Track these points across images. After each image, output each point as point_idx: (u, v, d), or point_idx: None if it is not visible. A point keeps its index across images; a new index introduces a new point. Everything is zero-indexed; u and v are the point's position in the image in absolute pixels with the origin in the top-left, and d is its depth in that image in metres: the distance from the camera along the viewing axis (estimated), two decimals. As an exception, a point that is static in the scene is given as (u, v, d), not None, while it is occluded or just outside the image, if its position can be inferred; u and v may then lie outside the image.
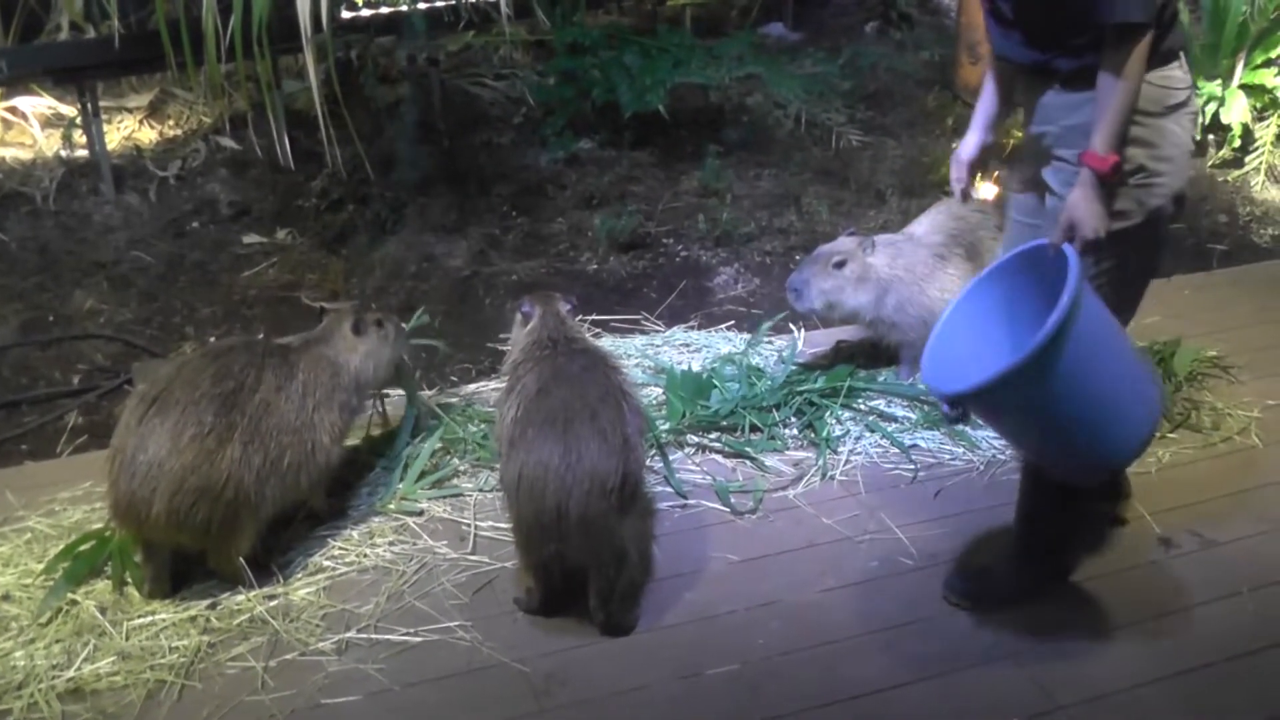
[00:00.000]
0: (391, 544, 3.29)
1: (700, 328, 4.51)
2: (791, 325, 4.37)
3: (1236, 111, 5.82)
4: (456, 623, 2.99)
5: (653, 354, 4.24)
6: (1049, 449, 2.74)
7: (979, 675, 2.83)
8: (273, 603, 3.04)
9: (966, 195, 3.15)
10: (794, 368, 4.03)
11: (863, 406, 3.88)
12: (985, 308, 2.80)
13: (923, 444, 3.73)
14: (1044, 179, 2.81)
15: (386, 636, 2.95)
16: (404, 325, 3.65)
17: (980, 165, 3.10)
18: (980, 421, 2.78)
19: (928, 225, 4.12)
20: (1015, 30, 2.76)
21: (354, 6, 5.28)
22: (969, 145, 3.09)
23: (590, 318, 4.48)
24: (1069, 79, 2.69)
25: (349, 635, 2.95)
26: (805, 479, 3.58)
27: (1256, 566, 3.19)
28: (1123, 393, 2.63)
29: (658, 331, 4.47)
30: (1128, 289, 2.82)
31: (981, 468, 3.62)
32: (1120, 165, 2.60)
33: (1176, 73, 2.69)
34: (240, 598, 3.05)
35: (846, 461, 3.65)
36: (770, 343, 4.30)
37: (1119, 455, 2.74)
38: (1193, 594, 3.11)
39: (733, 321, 4.56)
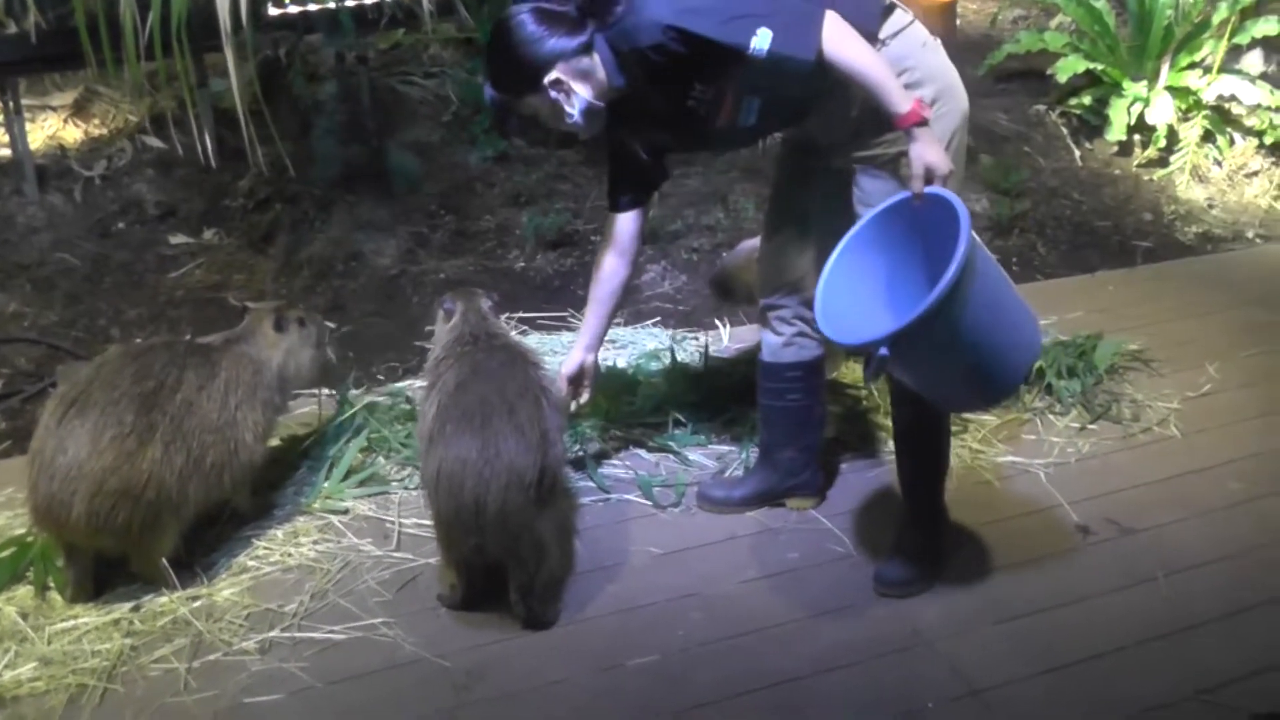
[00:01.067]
0: (316, 543, 3.30)
1: (626, 324, 4.55)
2: (716, 321, 4.42)
3: (1161, 112, 5.94)
4: (379, 620, 3.00)
5: (579, 351, 4.25)
6: (957, 386, 2.84)
7: (897, 661, 2.88)
8: (196, 604, 3.04)
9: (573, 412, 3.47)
10: (717, 363, 4.08)
11: (786, 400, 3.92)
12: (860, 268, 2.84)
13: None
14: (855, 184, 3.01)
15: (310, 635, 2.96)
16: (328, 324, 3.65)
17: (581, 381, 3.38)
18: (892, 373, 2.87)
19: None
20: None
21: (281, 3, 5.24)
22: (573, 363, 3.35)
23: (517, 315, 4.50)
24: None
25: (272, 634, 2.95)
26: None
27: (1172, 552, 3.26)
28: (1018, 316, 2.78)
29: (584, 329, 4.50)
30: None
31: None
32: (923, 102, 2.76)
33: (902, 16, 2.91)
34: (163, 599, 3.04)
35: (769, 455, 3.69)
36: (695, 339, 4.34)
37: (1016, 379, 2.86)
38: (1109, 580, 3.17)
39: (659, 318, 4.60)
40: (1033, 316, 2.85)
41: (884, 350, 2.61)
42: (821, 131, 3.03)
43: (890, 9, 2.90)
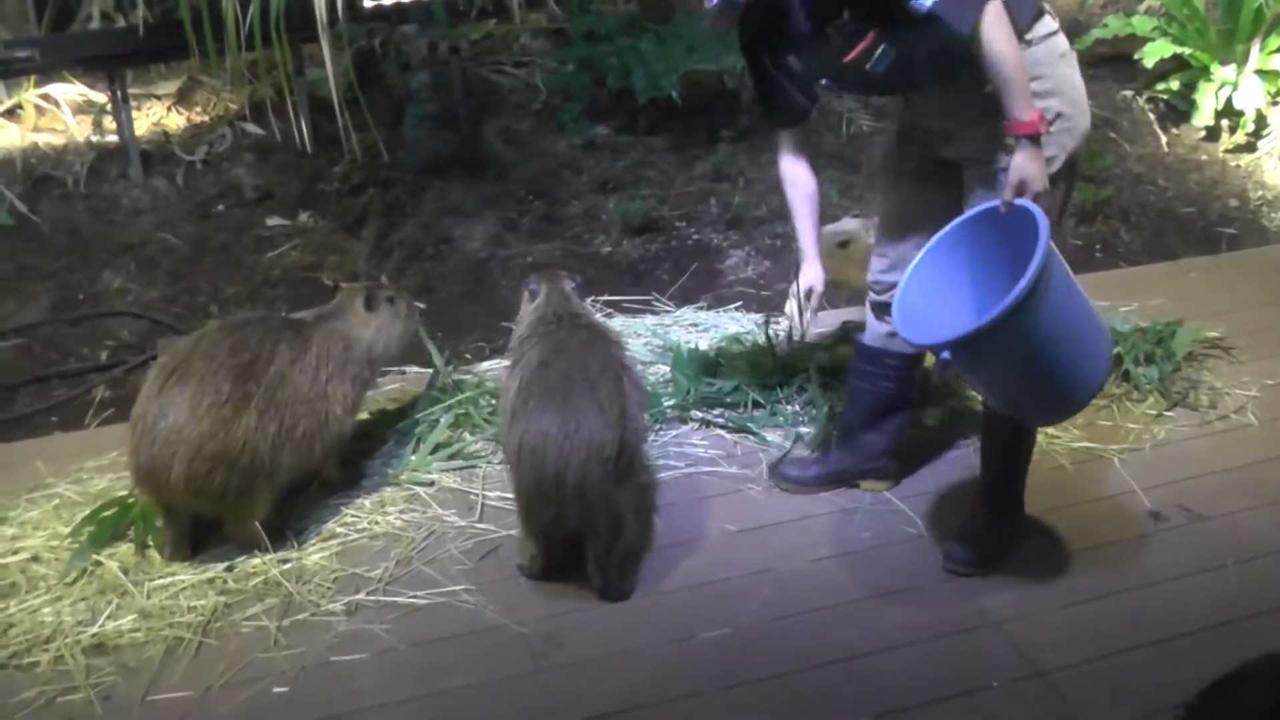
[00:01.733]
0: (402, 512, 3.42)
1: (709, 308, 4.62)
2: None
3: (1250, 97, 5.84)
4: (461, 587, 3.11)
5: (662, 333, 4.35)
6: (1021, 397, 2.90)
7: (962, 641, 2.93)
8: (286, 566, 3.18)
9: (804, 332, 3.46)
10: (799, 346, 4.13)
11: (864, 384, 3.97)
12: (945, 269, 2.91)
13: (921, 419, 3.81)
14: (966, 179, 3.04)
15: (394, 599, 3.08)
16: (416, 303, 3.77)
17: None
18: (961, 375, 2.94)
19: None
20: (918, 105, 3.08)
21: (376, -5, 5.40)
22: (812, 277, 3.35)
23: (602, 298, 4.59)
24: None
25: (358, 597, 3.08)
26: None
27: (1243, 540, 3.26)
28: (1090, 336, 2.81)
29: (668, 312, 4.58)
30: (1056, 230, 2.96)
31: (978, 441, 3.69)
32: (1044, 117, 2.77)
33: (1050, 23, 2.91)
34: (256, 561, 3.18)
35: (845, 436, 3.74)
36: (778, 323, 4.39)
37: (1085, 394, 2.88)
38: (1178, 566, 3.17)
39: (741, 303, 4.66)
40: (1106, 337, 2.90)
41: (946, 354, 2.71)
42: (938, 117, 3.04)
43: (1041, 13, 2.90)
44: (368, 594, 3.09)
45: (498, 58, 6.20)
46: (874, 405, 3.43)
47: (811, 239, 3.34)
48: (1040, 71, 2.84)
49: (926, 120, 3.10)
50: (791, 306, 3.42)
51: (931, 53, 2.84)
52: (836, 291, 4.05)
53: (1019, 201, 2.76)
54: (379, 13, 5.59)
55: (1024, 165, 2.75)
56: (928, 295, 2.87)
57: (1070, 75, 2.94)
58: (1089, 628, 2.96)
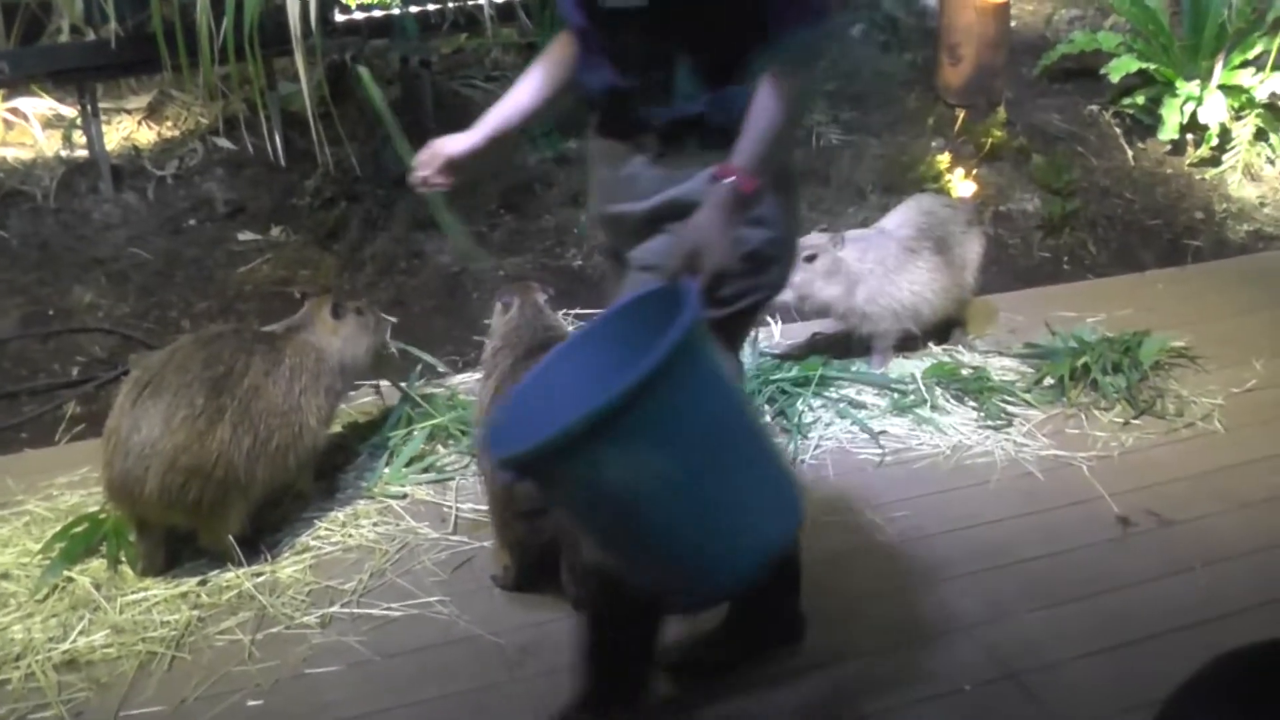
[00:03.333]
0: (375, 525, 3.42)
1: (680, 320, 4.63)
2: (769, 318, 4.49)
3: (1214, 111, 5.93)
4: (435, 598, 3.12)
5: (633, 345, 4.35)
6: (641, 551, 2.09)
7: (935, 645, 2.96)
8: (260, 579, 3.18)
9: (422, 182, 2.69)
10: (769, 358, 4.16)
11: (834, 395, 4.01)
12: (584, 374, 2.18)
13: (891, 430, 3.85)
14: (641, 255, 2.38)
15: (368, 611, 3.08)
16: (387, 318, 3.78)
17: (458, 169, 2.63)
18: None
19: (898, 219, 4.26)
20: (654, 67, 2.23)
21: (346, 9, 5.39)
22: (459, 142, 2.60)
23: (574, 311, 4.60)
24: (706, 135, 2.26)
25: (332, 610, 3.08)
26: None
27: (1211, 544, 3.32)
28: (748, 482, 2.06)
29: (639, 324, 4.59)
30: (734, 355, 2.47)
31: (948, 452, 3.76)
32: (759, 192, 2.21)
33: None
34: (229, 575, 3.18)
35: (817, 446, 3.78)
36: (749, 335, 4.41)
37: (736, 571, 2.08)
38: (1147, 570, 3.23)
39: (712, 314, 4.68)
40: (785, 482, 2.15)
41: (508, 474, 2.10)
42: (665, 86, 2.25)
43: None
44: (341, 606, 3.10)
45: (469, 72, 6.22)
46: None
47: (499, 115, 2.56)
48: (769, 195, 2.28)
49: (653, 91, 2.26)
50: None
51: (721, 13, 2.19)
52: (802, 305, 4.09)
53: (684, 281, 2.12)
54: (351, 26, 5.59)
55: (706, 228, 2.15)
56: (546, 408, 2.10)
57: (792, 221, 2.46)
58: (1060, 630, 3.00)
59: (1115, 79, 6.03)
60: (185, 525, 3.17)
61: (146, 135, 5.68)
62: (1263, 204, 5.83)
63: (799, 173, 2.37)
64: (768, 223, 2.31)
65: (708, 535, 2.02)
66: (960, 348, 4.36)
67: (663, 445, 1.92)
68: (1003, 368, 4.22)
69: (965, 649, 2.94)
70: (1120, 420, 3.92)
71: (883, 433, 3.83)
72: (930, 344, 4.35)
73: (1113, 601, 3.10)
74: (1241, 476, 3.62)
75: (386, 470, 3.62)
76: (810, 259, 3.99)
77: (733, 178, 2.16)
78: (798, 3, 2.16)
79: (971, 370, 4.15)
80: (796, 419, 3.83)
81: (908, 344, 4.26)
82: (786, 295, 3.94)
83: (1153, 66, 6.10)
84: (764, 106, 2.18)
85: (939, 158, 5.49)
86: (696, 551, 2.03)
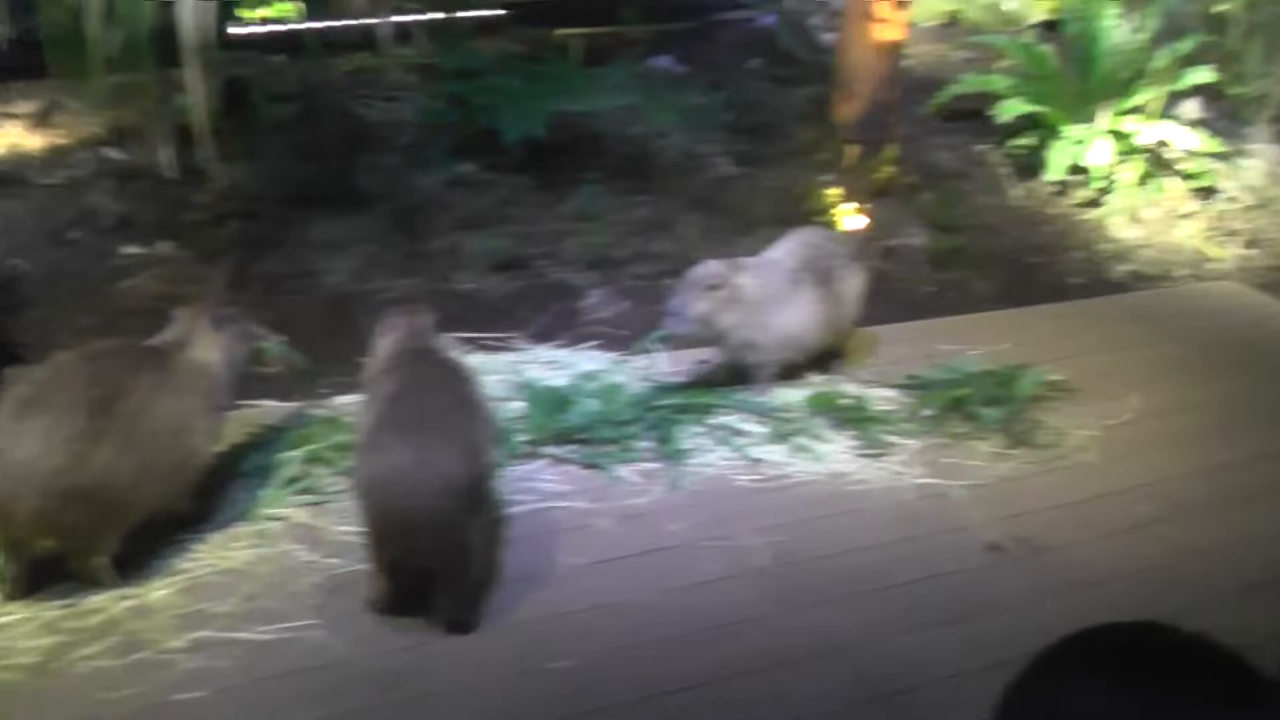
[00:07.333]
0: (250, 547, 3.37)
1: (568, 346, 4.65)
2: (655, 346, 4.53)
3: (1099, 155, 6.13)
4: (309, 622, 3.09)
5: (519, 370, 4.36)
6: None
7: (805, 668, 3.01)
8: (129, 603, 3.11)
9: None
10: (652, 386, 4.19)
11: (715, 422, 4.05)
12: None
13: (770, 457, 3.90)
14: None
15: (240, 635, 3.03)
16: (280, 337, 3.76)
17: None
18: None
19: (784, 251, 4.31)
20: None
21: (243, 24, 5.36)
22: None
23: (462, 335, 4.59)
24: None
25: (202, 634, 3.03)
26: (655, 489, 3.74)
27: (1078, 570, 3.42)
28: None
29: (526, 350, 4.60)
30: None
31: (826, 479, 3.81)
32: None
33: None
34: (97, 598, 3.11)
35: (696, 473, 3.81)
36: (629, 362, 4.44)
37: None
38: (1016, 595, 3.32)
39: (599, 341, 4.71)
40: None
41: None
42: None
43: None
44: (212, 630, 3.04)
45: (367, 91, 6.20)
46: None
47: None
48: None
49: None
50: None
51: None
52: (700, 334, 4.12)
53: None
54: (249, 41, 5.56)
55: None
56: None
57: None
58: (928, 653, 3.07)
59: (1004, 120, 6.20)
60: (60, 548, 3.07)
61: (34, 142, 5.58)
62: (1143, 245, 6.03)
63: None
64: None
65: None
66: (842, 377, 4.43)
67: None
68: (884, 398, 4.29)
69: (837, 671, 2.99)
70: (996, 451, 4.02)
71: (761, 460, 3.88)
72: (808, 374, 4.40)
73: (984, 624, 3.18)
74: (1111, 506, 3.74)
75: (263, 492, 3.58)
76: (713, 288, 4.01)
77: None
78: None
79: (852, 400, 4.22)
80: (676, 445, 3.86)
81: (789, 373, 4.32)
82: (687, 325, 3.99)
83: (1041, 109, 6.29)
84: None
85: (830, 191, 5.59)
86: None
